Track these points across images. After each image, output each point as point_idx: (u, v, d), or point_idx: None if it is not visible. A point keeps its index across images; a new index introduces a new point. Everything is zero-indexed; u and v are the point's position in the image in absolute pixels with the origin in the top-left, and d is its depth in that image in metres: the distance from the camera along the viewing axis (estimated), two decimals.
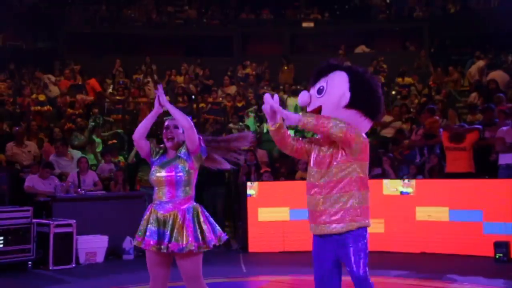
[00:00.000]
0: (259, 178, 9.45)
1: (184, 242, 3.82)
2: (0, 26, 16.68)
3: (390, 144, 10.41)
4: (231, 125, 12.06)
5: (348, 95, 3.46)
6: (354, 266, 3.41)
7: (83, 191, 8.60)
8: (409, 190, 8.42)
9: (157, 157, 4.02)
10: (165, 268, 3.93)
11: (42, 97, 12.68)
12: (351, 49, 17.63)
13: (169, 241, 3.82)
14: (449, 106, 11.74)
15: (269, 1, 19.81)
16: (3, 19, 15.77)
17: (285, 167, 10.30)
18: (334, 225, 3.45)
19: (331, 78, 3.53)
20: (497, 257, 7.56)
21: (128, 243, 8.24)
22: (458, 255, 7.95)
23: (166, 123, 4.01)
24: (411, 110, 12.16)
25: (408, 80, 14.50)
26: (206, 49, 18.40)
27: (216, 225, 4.02)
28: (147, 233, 3.86)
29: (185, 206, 3.89)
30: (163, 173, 3.92)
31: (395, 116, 11.10)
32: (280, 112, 3.46)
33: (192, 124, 3.90)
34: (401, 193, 8.47)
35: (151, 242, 3.84)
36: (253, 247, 8.67)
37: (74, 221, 7.77)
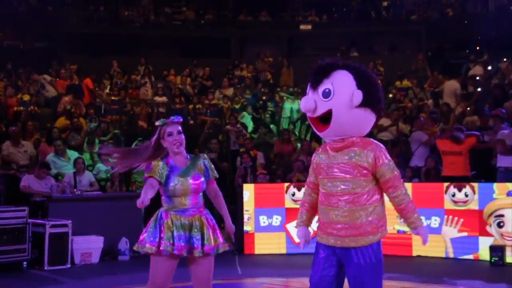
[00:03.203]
0: (255, 180, 9.43)
1: (217, 243, 3.86)
2: None
3: (389, 146, 10.41)
4: (228, 126, 12.05)
5: (359, 93, 3.24)
6: (363, 281, 3.27)
7: (79, 192, 8.58)
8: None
9: (165, 173, 3.87)
10: (172, 273, 3.87)
11: (26, 97, 12.56)
12: (348, 51, 17.65)
13: (203, 244, 3.80)
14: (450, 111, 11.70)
15: (267, 3, 19.83)
16: (1, 19, 15.76)
17: (281, 169, 10.28)
18: (348, 239, 3.28)
19: (335, 79, 3.29)
20: (492, 260, 7.57)
21: (123, 244, 8.23)
22: (454, 259, 7.97)
23: (168, 130, 3.85)
24: (407, 112, 12.19)
25: (406, 83, 14.50)
26: (204, 50, 18.42)
27: None
28: (176, 239, 3.77)
29: (204, 210, 3.93)
30: (190, 182, 3.85)
31: (392, 120, 11.02)
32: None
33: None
34: None
35: (182, 247, 3.77)
36: (248, 249, 8.67)
37: (70, 221, 7.75)
